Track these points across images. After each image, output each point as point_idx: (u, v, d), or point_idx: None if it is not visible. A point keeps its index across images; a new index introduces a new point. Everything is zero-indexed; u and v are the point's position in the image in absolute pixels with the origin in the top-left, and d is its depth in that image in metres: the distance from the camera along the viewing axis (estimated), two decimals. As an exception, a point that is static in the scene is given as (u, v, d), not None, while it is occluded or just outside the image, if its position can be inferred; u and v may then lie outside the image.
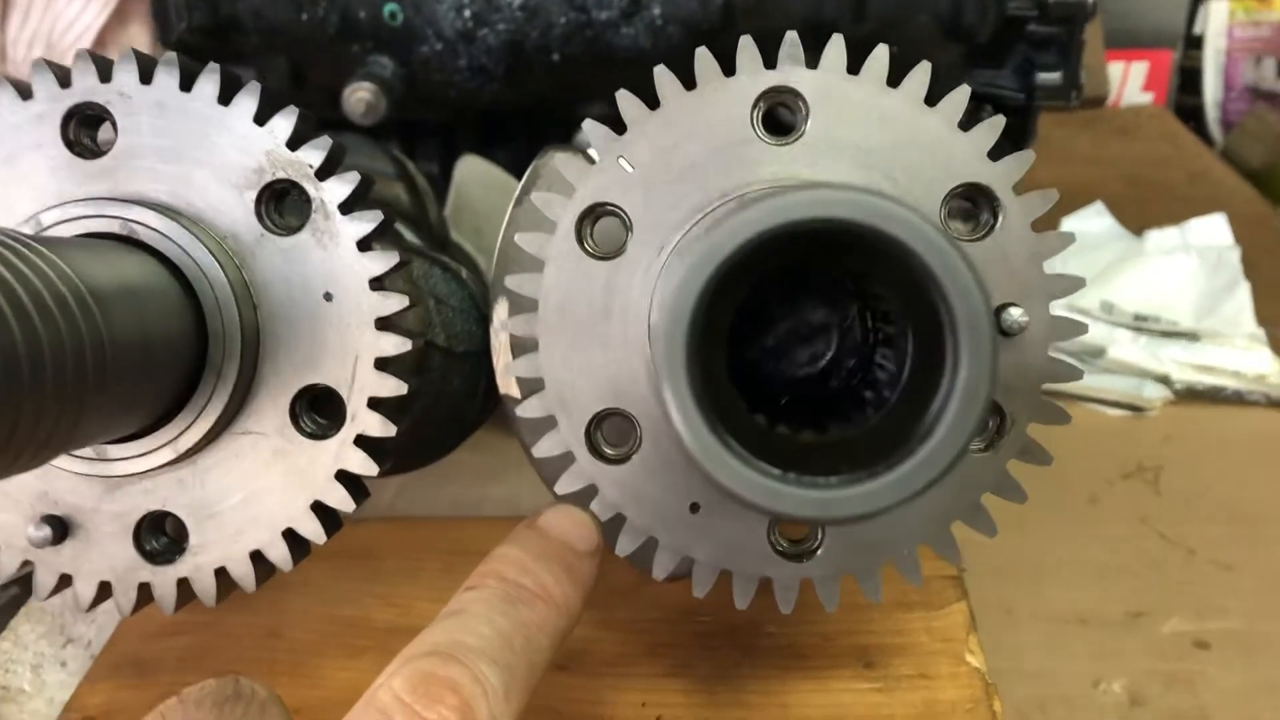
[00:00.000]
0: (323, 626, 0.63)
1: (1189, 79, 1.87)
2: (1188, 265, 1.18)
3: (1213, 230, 1.26)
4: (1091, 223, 1.29)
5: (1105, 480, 0.98)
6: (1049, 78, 1.04)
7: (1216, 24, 1.83)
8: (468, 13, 1.05)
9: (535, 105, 1.15)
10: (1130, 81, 1.81)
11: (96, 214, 0.48)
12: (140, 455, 0.49)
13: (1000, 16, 1.04)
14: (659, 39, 1.06)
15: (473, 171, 1.03)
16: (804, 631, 0.61)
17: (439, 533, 0.71)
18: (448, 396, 0.63)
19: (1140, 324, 1.12)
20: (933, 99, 1.09)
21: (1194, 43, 1.86)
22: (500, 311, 0.63)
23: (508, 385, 0.63)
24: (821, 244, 0.29)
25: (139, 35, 1.38)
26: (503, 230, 0.63)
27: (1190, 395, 1.06)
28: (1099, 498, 0.96)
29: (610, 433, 0.51)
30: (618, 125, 1.11)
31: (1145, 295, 1.15)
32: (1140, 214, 1.38)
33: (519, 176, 1.16)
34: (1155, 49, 1.79)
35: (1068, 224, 1.29)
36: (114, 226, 0.48)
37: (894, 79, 0.55)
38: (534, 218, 0.61)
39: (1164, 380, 1.06)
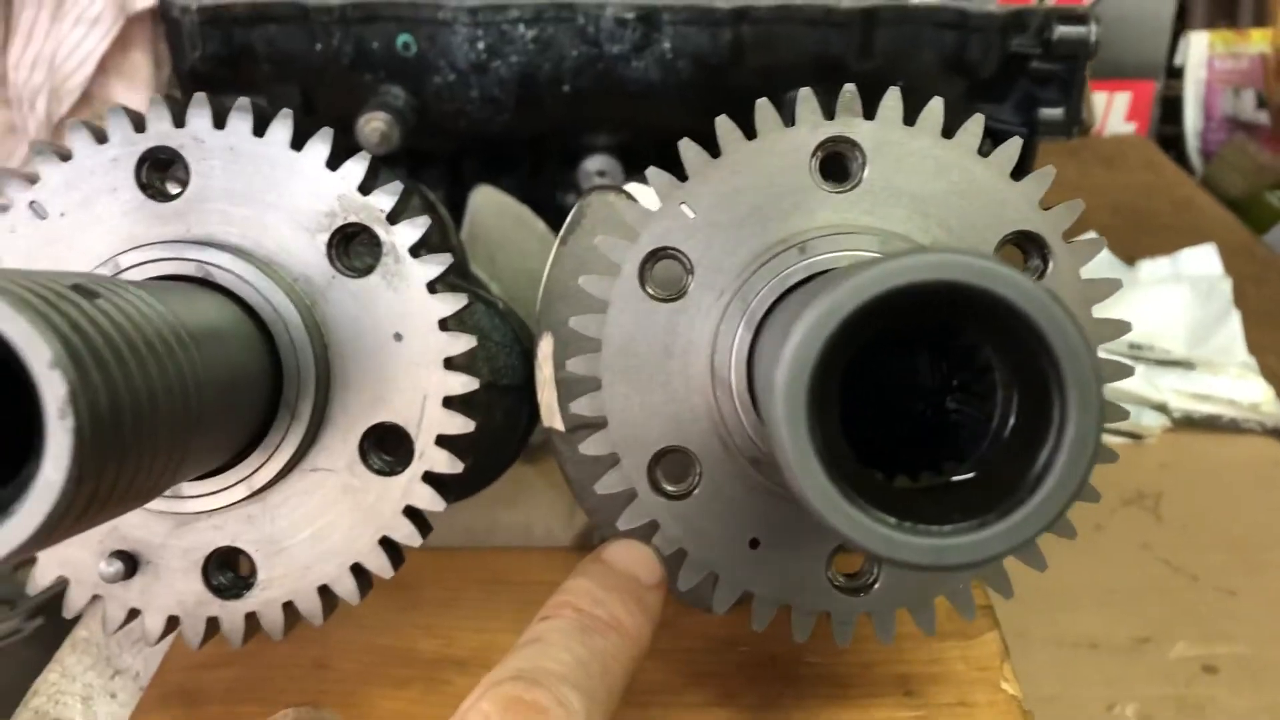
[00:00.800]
0: (368, 657, 0.64)
1: (1169, 109, 1.91)
2: (1180, 295, 1.21)
3: (1203, 260, 1.28)
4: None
5: (1108, 507, 1.00)
6: (1051, 113, 1.07)
7: (1196, 56, 1.86)
8: (481, 44, 1.06)
9: (542, 135, 1.17)
10: (1114, 111, 1.84)
11: (174, 256, 0.49)
12: (214, 493, 0.50)
13: (1003, 54, 1.06)
14: (669, 72, 1.07)
15: (487, 200, 1.05)
16: (844, 661, 0.62)
17: (476, 562, 0.72)
18: (491, 431, 0.64)
19: (1136, 353, 1.14)
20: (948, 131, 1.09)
21: (1174, 73, 1.89)
22: (545, 346, 0.64)
23: (551, 418, 0.64)
24: (927, 302, 0.31)
25: (141, 62, 1.39)
26: (547, 269, 0.65)
27: (1188, 423, 1.09)
28: (1103, 525, 0.98)
29: (669, 469, 0.52)
30: (626, 156, 1.12)
31: (1140, 325, 1.17)
32: (1127, 243, 1.40)
33: (526, 202, 1.18)
34: (1138, 80, 1.83)
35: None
36: (190, 269, 0.49)
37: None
38: (579, 258, 0.62)
39: (1161, 408, 1.09)
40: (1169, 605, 0.91)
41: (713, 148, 1.21)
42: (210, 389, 0.41)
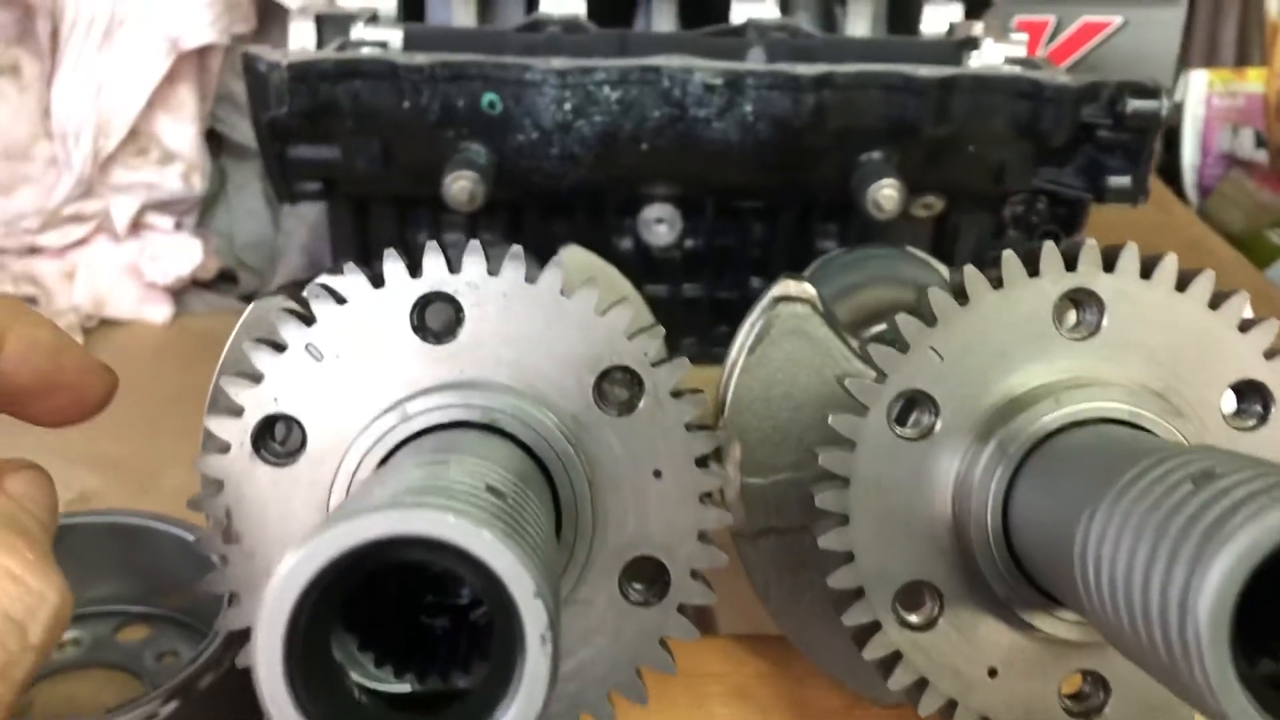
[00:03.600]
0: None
1: (1166, 142, 1.96)
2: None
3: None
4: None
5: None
6: (1119, 181, 1.10)
7: (1195, 93, 1.92)
8: (568, 105, 1.08)
9: (609, 186, 1.19)
10: (1120, 148, 1.90)
11: (460, 403, 0.50)
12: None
13: (1075, 124, 1.10)
14: (747, 133, 1.10)
15: (574, 260, 1.06)
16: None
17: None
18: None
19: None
20: (1000, 199, 1.12)
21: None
22: (734, 453, 0.67)
23: (739, 522, 0.67)
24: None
25: (187, 96, 1.38)
26: (735, 376, 0.67)
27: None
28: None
29: (908, 599, 0.55)
30: (685, 205, 1.14)
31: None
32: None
33: (581, 243, 1.19)
34: (1143, 117, 1.88)
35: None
36: (476, 415, 0.50)
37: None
38: (767, 369, 0.65)
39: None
40: None
41: (773, 200, 1.21)
42: (550, 550, 0.43)
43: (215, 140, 1.45)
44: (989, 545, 0.52)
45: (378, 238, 1.26)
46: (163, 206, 1.35)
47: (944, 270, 0.95)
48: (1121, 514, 0.40)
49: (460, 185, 1.04)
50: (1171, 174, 1.95)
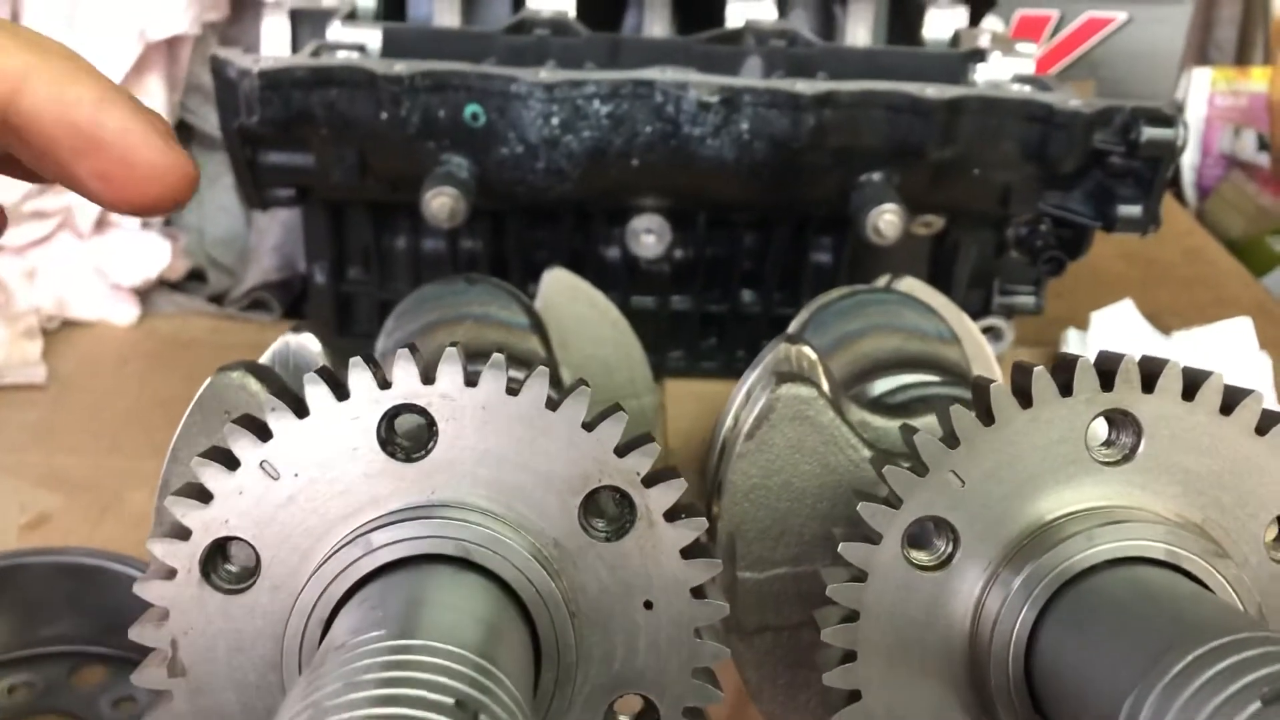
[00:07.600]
0: None
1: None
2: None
3: (1239, 335, 1.29)
4: (1122, 322, 1.32)
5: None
6: (1130, 210, 1.05)
7: (1198, 91, 1.87)
8: (555, 120, 1.02)
9: (596, 198, 1.14)
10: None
11: (430, 535, 0.45)
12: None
13: (1086, 150, 1.05)
14: (743, 151, 1.05)
15: (559, 283, 1.01)
16: None
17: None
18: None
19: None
20: (1003, 220, 1.07)
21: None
22: (724, 542, 0.62)
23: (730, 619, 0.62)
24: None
25: (156, 88, 1.32)
26: (732, 461, 0.62)
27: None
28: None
29: (916, 735, 0.51)
30: (675, 216, 1.09)
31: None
32: (1146, 297, 1.40)
33: (570, 256, 1.15)
34: (1146, 116, 1.83)
35: (1097, 320, 1.32)
36: (448, 548, 0.45)
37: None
38: (768, 455, 0.60)
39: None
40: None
41: (767, 215, 1.16)
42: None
43: (185, 131, 1.39)
44: (1008, 689, 0.48)
45: (353, 243, 1.21)
46: (128, 204, 1.29)
47: (950, 309, 0.90)
48: (1176, 718, 0.36)
49: (440, 202, 0.99)
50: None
